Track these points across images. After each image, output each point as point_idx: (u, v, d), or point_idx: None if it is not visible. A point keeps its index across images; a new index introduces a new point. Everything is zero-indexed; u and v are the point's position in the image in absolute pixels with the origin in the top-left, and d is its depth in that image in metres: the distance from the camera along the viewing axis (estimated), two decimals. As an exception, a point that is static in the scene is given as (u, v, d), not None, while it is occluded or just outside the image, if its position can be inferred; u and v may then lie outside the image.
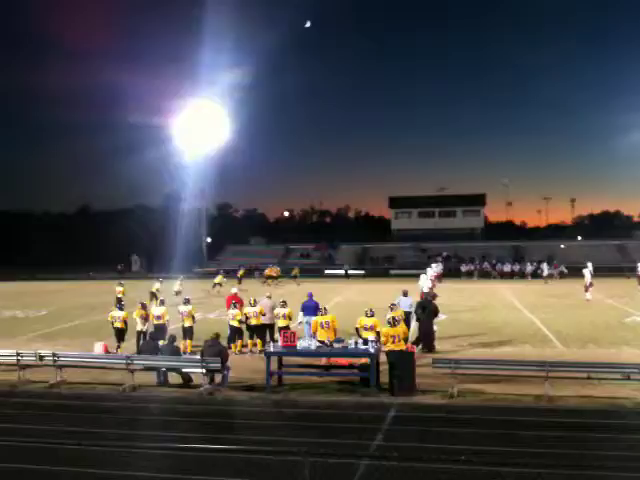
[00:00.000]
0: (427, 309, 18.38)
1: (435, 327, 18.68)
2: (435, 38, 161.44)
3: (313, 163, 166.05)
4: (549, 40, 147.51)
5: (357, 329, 16.17)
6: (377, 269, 65.03)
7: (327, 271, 54.85)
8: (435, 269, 47.00)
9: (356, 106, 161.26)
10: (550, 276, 49.36)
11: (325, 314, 16.33)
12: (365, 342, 14.73)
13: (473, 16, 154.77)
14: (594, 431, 10.90)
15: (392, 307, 16.82)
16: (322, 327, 15.86)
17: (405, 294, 20.08)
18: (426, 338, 18.11)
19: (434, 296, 18.92)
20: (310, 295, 20.03)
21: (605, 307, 29.53)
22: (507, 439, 10.44)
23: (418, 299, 20.24)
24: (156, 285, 30.99)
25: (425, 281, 29.09)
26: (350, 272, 59.46)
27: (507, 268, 58.78)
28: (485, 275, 57.23)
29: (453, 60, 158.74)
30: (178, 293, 33.00)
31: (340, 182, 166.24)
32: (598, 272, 36.80)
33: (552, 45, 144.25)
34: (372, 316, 16.07)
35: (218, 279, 41.50)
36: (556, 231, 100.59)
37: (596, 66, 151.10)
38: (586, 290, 32.98)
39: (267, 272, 49.19)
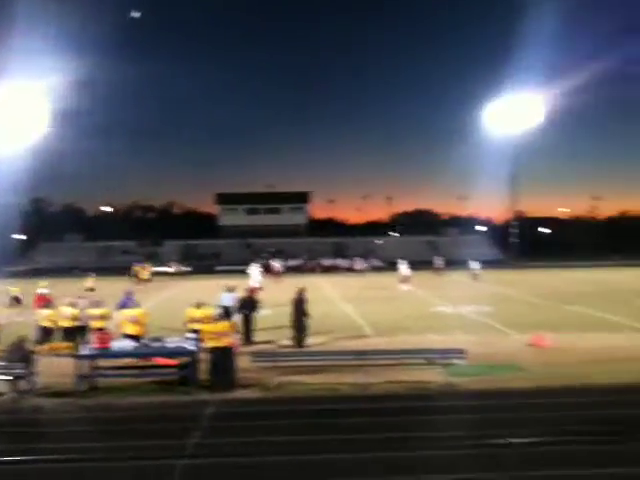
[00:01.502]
0: (299, 305, 18.34)
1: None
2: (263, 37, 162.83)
3: (137, 157, 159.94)
4: (358, 43, 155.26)
5: (186, 323, 16.44)
6: (203, 266, 64.19)
7: (153, 268, 53.47)
8: (275, 265, 48.08)
9: (184, 101, 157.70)
10: (363, 270, 52.61)
11: (134, 308, 16.27)
12: (192, 331, 14.95)
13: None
14: (404, 415, 11.59)
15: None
16: (129, 321, 15.69)
17: (229, 290, 20.07)
18: (299, 333, 18.08)
19: (302, 290, 19.05)
20: (128, 293, 19.33)
21: (416, 298, 31.73)
22: (323, 427, 10.77)
23: (247, 295, 20.30)
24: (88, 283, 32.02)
25: (257, 276, 29.84)
26: (175, 269, 58.18)
27: (327, 263, 61.51)
28: (312, 270, 59.15)
29: (271, 59, 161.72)
30: (92, 290, 33.00)
31: (166, 177, 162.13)
32: (411, 266, 39.85)
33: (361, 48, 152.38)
34: (200, 308, 16.42)
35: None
36: (374, 228, 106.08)
37: (399, 70, 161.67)
38: (402, 282, 36.22)
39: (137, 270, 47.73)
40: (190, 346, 13.86)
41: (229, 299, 19.74)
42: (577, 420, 10.82)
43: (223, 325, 14.50)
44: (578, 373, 14.22)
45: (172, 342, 14.14)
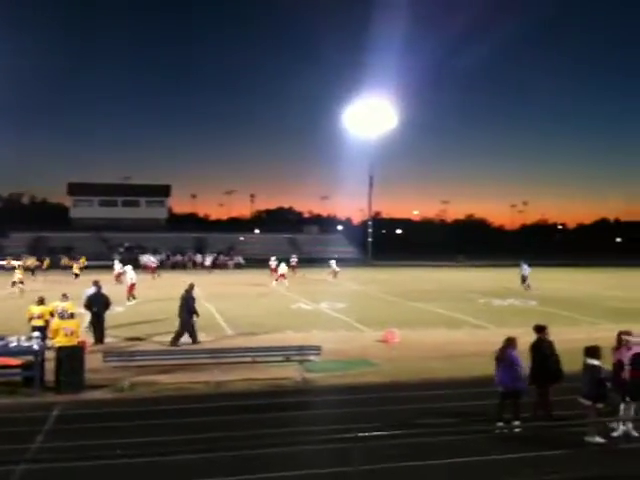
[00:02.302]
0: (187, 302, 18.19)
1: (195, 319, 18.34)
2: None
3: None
4: (253, 34, 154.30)
5: (29, 319, 15.80)
6: (55, 260, 60.50)
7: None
8: (151, 259, 46.92)
9: (35, 85, 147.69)
10: (224, 266, 52.88)
11: None
12: (35, 329, 14.36)
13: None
14: (259, 412, 11.65)
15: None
16: None
17: (95, 284, 19.45)
18: (187, 330, 17.92)
19: (191, 286, 18.94)
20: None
21: (276, 295, 32.03)
22: (174, 427, 10.55)
23: (97, 291, 19.52)
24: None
25: (131, 271, 29.30)
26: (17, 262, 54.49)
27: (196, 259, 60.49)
28: (174, 266, 57.81)
29: (130, 49, 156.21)
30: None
31: (14, 165, 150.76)
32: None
33: (253, 39, 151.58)
34: (42, 304, 15.94)
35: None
36: (237, 224, 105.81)
37: (264, 69, 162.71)
38: (277, 279, 38.06)
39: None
40: (35, 345, 13.05)
41: (90, 292, 19.35)
42: (422, 413, 11.46)
43: (72, 322, 13.83)
44: (424, 368, 15.08)
45: (15, 341, 13.23)
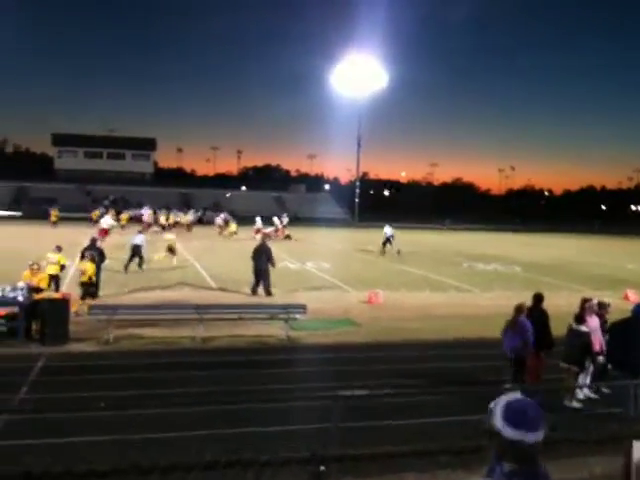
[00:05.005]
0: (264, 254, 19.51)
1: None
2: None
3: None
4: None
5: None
6: (37, 211, 59.99)
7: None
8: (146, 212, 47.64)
9: (22, 35, 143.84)
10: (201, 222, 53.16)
11: None
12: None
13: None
14: (244, 368, 11.76)
15: None
16: None
17: (140, 231, 24.00)
18: (264, 281, 19.24)
19: (265, 239, 21.05)
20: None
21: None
22: (159, 381, 10.61)
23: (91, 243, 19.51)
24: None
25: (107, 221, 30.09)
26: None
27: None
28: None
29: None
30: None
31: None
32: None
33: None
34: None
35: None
36: (223, 180, 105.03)
37: (253, 25, 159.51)
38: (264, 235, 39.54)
39: None
40: (20, 297, 13.03)
41: (140, 239, 23.05)
42: (401, 373, 11.58)
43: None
44: (405, 329, 15.25)
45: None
